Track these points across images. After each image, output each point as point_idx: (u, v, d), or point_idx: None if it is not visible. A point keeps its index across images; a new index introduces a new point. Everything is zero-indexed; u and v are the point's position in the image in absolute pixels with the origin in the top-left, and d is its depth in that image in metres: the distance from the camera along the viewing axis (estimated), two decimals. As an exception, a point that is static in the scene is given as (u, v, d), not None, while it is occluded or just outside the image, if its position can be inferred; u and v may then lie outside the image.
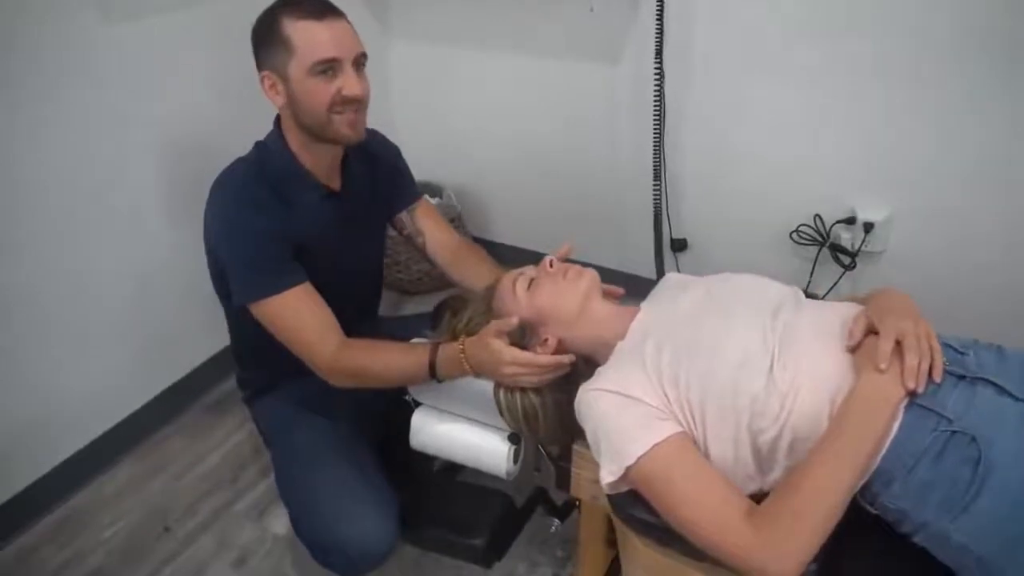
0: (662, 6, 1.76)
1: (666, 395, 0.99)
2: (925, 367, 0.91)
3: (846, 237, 1.89)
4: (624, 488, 1.01)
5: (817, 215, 1.91)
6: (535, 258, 1.24)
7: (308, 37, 1.17)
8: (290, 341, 1.25)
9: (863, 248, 1.86)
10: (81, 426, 1.79)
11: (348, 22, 1.22)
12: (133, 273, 1.80)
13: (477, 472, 1.30)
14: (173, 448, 1.90)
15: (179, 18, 1.75)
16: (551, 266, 1.18)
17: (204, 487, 1.78)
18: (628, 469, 0.96)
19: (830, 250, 1.93)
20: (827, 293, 1.98)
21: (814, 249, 1.96)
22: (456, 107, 2.37)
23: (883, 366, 0.90)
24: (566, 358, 1.14)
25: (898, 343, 0.92)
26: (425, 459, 1.43)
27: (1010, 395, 0.89)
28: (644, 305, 1.18)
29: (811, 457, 0.90)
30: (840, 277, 1.95)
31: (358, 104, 1.23)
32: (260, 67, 1.24)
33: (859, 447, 0.88)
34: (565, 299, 1.15)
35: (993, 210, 1.69)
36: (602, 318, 1.15)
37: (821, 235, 1.93)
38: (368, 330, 1.36)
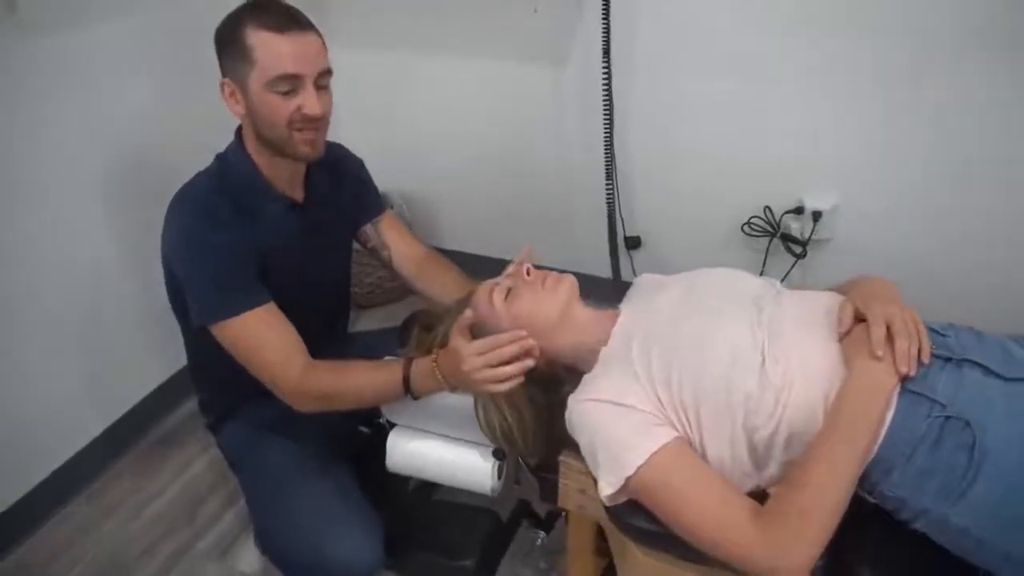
0: (607, 5, 1.76)
1: (659, 399, 0.98)
2: (914, 351, 0.92)
3: (796, 227, 1.92)
4: (623, 499, 0.99)
5: (767, 207, 1.94)
6: (486, 263, 1.20)
7: (269, 50, 1.11)
8: (252, 363, 1.19)
9: (812, 237, 1.90)
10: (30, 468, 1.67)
11: (316, 35, 1.17)
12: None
13: (454, 489, 1.26)
14: (122, 487, 1.78)
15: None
16: (528, 274, 1.15)
17: (161, 528, 1.68)
18: (628, 480, 0.95)
19: (781, 240, 1.96)
20: (780, 282, 2.01)
21: (765, 240, 1.98)
22: (401, 113, 2.31)
23: (879, 353, 0.91)
24: (524, 333, 1.07)
25: (887, 328, 0.93)
26: (400, 480, 1.38)
27: (996, 375, 0.91)
28: (623, 308, 1.16)
29: (811, 452, 0.90)
30: (792, 266, 1.98)
31: (318, 123, 1.18)
32: (221, 72, 1.18)
33: (857, 438, 0.88)
34: (545, 308, 1.12)
35: (946, 195, 1.73)
36: (583, 324, 1.13)
37: (772, 226, 1.96)
38: (337, 348, 1.31)
